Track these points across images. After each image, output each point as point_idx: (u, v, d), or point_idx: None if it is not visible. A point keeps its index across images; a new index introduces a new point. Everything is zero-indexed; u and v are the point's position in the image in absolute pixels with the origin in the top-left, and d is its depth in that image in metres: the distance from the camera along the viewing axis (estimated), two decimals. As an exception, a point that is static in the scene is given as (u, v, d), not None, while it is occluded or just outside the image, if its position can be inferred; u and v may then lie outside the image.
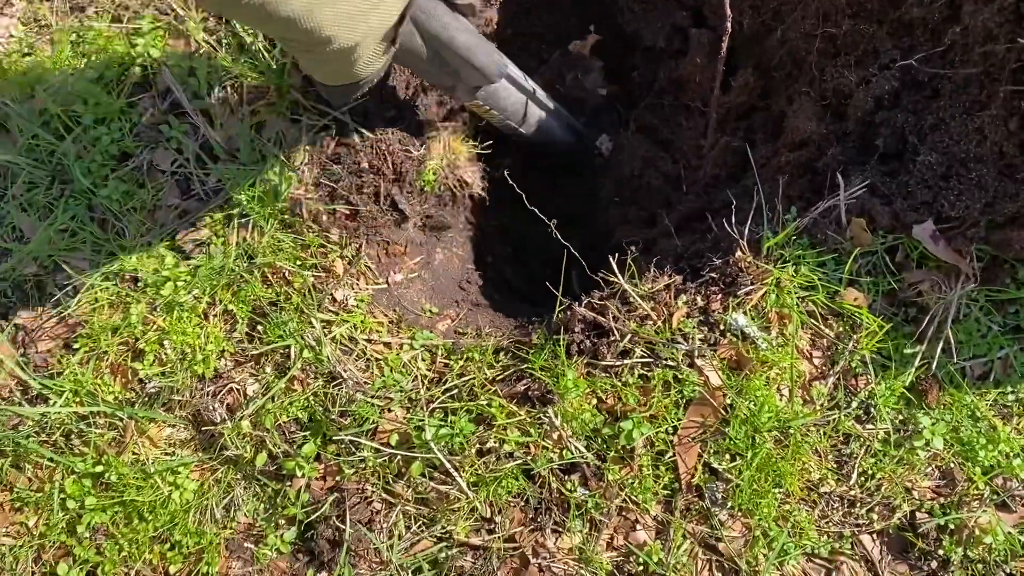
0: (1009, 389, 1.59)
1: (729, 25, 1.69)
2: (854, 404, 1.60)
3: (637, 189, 2.03)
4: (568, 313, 1.65)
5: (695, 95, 2.00)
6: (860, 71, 1.67)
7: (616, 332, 1.60)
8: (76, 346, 1.73)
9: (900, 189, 1.59)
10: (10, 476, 1.75)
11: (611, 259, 1.58)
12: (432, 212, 1.82)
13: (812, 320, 1.62)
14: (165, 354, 1.72)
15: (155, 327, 1.72)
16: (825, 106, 1.75)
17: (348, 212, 1.71)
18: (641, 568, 1.62)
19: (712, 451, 1.61)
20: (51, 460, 1.70)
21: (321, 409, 1.66)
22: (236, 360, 1.74)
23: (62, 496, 1.70)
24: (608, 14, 2.21)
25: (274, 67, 1.72)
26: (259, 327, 1.72)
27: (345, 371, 1.66)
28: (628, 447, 1.61)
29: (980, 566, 1.56)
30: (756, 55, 1.93)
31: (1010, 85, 1.43)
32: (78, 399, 1.71)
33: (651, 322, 1.63)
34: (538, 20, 2.19)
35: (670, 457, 1.62)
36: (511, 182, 1.70)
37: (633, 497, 1.62)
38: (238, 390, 1.70)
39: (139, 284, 1.74)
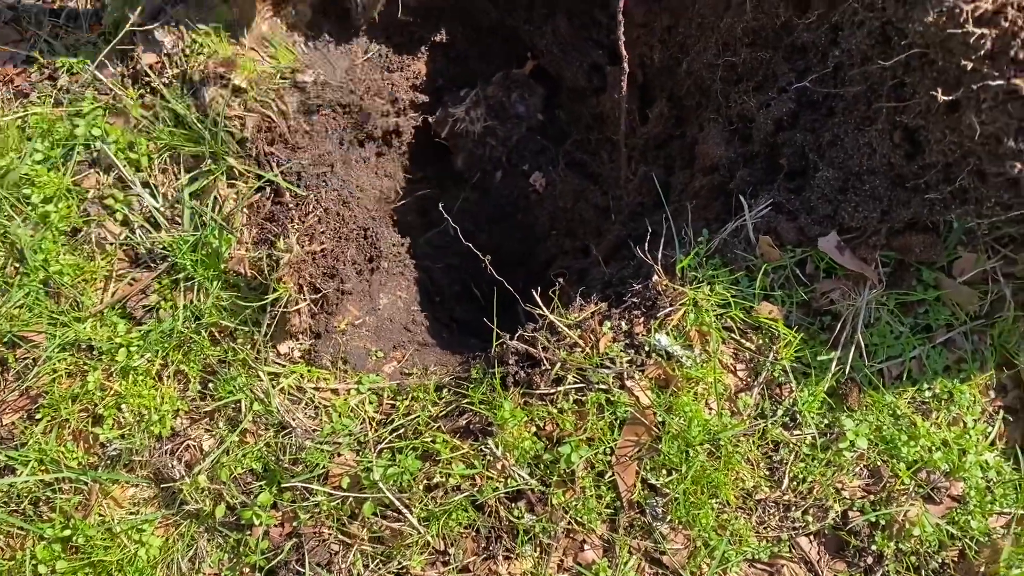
0: (925, 386, 1.66)
1: (626, 66, 1.78)
2: (780, 412, 1.67)
3: (571, 221, 2.12)
4: (504, 346, 1.72)
5: (616, 129, 2.09)
6: (760, 95, 1.76)
7: (547, 362, 1.68)
8: (39, 416, 1.81)
9: (804, 205, 1.67)
10: (-18, 547, 1.83)
11: (535, 293, 1.66)
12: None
13: (732, 335, 1.69)
14: (123, 417, 1.79)
15: (112, 392, 1.80)
16: (732, 131, 1.84)
17: (288, 267, 1.80)
18: (589, 587, 1.69)
19: (649, 468, 1.68)
20: (21, 528, 1.77)
21: (274, 459, 1.74)
22: (191, 417, 1.82)
23: (34, 563, 1.77)
24: (532, 57, 2.32)
25: (208, 136, 1.82)
26: (210, 384, 1.80)
27: (294, 420, 1.74)
28: (569, 470, 1.68)
29: (913, 558, 1.63)
30: (668, 87, 2.03)
31: (891, 102, 1.52)
32: (43, 467, 1.78)
33: (580, 349, 1.70)
34: (466, 68, 2.29)
35: (610, 477, 1.69)
36: (447, 216, 1.78)
37: (578, 519, 1.68)
38: (194, 446, 1.78)
39: (94, 352, 1.82)
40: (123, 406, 1.79)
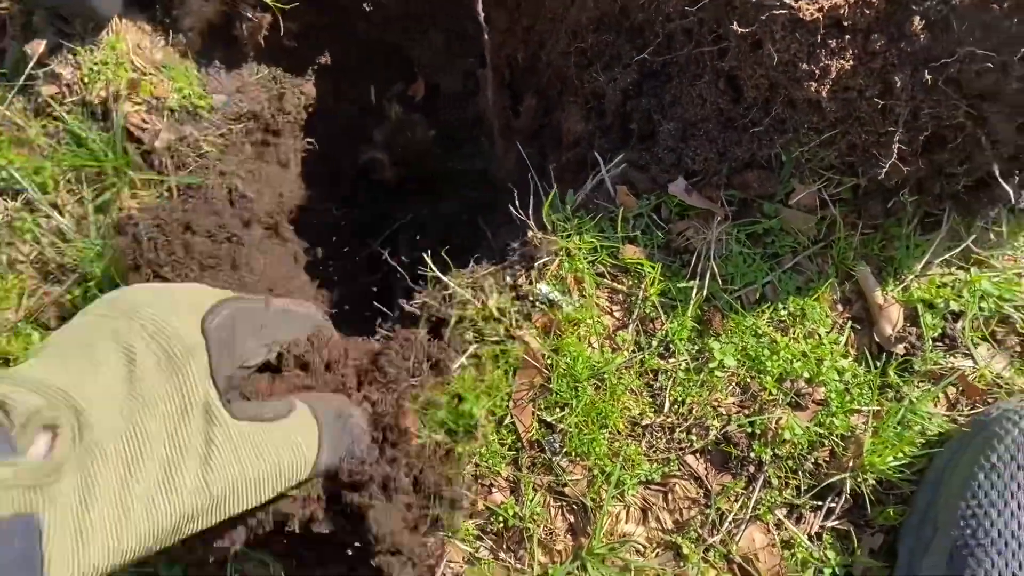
0: (781, 307, 1.85)
1: (490, 71, 2.00)
2: (654, 343, 1.84)
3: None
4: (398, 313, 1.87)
5: (493, 123, 2.31)
6: (609, 73, 1.98)
7: (443, 322, 1.83)
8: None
9: (653, 158, 1.88)
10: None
11: (426, 256, 1.82)
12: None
13: (604, 279, 1.87)
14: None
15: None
16: (589, 108, 2.06)
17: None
18: (501, 525, 1.80)
19: (543, 407, 1.82)
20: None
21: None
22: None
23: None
24: (411, 69, 2.54)
25: (109, 154, 1.96)
26: (125, 379, 1.89)
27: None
28: (472, 423, 1.81)
29: (789, 461, 1.78)
30: (534, 82, 2.26)
31: (712, 52, 1.75)
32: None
33: (472, 307, 1.85)
34: (353, 87, 2.50)
35: (509, 421, 1.82)
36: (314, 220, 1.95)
37: (484, 464, 1.81)
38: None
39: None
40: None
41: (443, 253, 1.93)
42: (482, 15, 2.06)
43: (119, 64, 2.01)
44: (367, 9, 2.19)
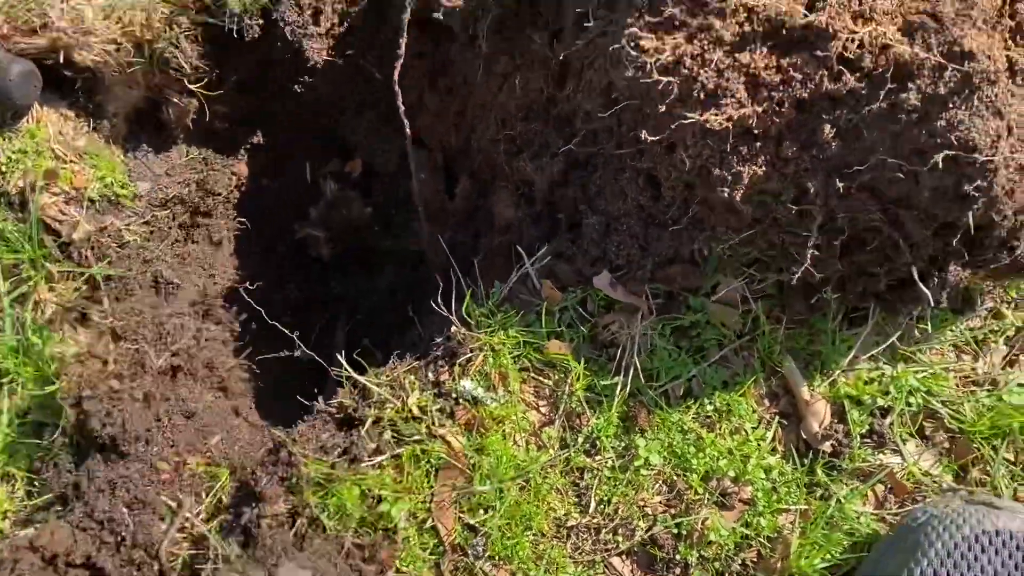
0: (707, 402, 1.82)
1: (411, 150, 1.98)
2: (580, 440, 1.81)
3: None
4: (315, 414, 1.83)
5: (429, 207, 2.29)
6: (537, 162, 1.97)
7: (359, 421, 1.78)
8: None
9: (579, 249, 1.86)
10: None
11: (340, 356, 1.78)
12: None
13: (530, 374, 1.84)
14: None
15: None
16: (520, 195, 2.04)
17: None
18: (419, 633, 1.75)
19: (466, 509, 1.78)
20: None
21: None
22: (18, 520, 1.84)
23: None
24: (347, 149, 2.52)
25: (26, 245, 1.92)
26: (35, 483, 1.84)
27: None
28: (391, 525, 1.76)
29: (716, 563, 1.75)
30: (467, 165, 2.24)
31: (631, 151, 1.74)
32: None
33: (391, 406, 1.81)
34: (287, 165, 2.48)
35: (431, 524, 1.78)
36: (249, 299, 1.91)
37: (405, 569, 1.76)
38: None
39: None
40: (-54, 513, 1.81)
41: (367, 343, 1.90)
42: (402, 108, 2.04)
43: (39, 152, 1.98)
44: (298, 91, 2.18)
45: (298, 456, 1.72)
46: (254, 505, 1.73)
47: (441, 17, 1.97)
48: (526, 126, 2.02)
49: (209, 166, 2.24)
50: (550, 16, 1.94)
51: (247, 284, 2.20)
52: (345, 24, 2.14)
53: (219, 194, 2.23)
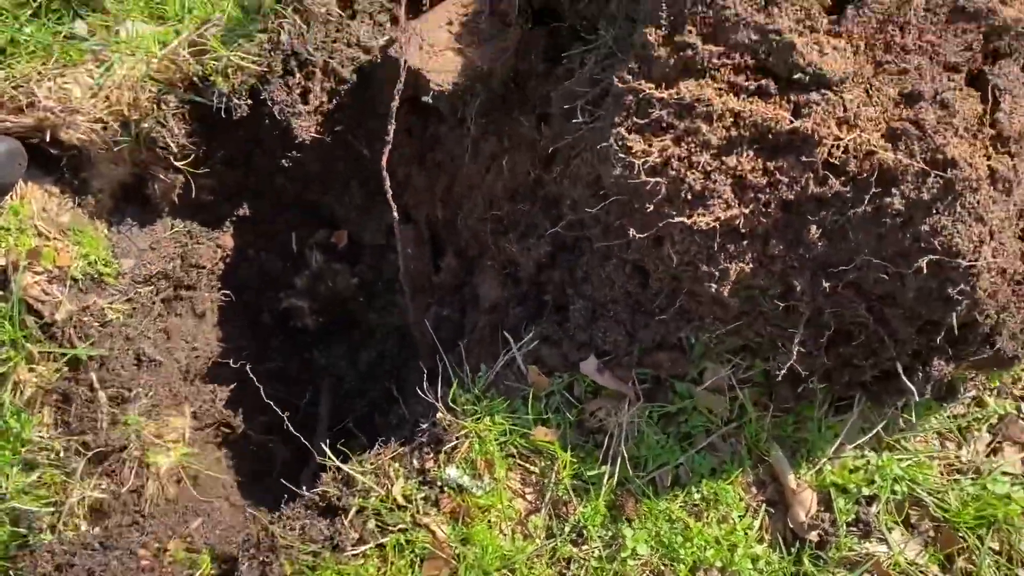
0: (694, 490, 1.82)
1: (399, 246, 1.98)
2: (567, 529, 1.79)
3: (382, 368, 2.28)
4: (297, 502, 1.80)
5: (409, 279, 2.28)
6: (524, 243, 1.97)
7: (343, 510, 1.76)
8: None
9: (566, 334, 1.86)
10: None
11: (324, 444, 1.76)
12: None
13: (516, 461, 1.83)
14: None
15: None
16: (506, 274, 2.04)
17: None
18: None
19: (452, 602, 1.75)
20: None
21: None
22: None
23: None
24: (334, 221, 2.52)
25: (6, 326, 1.89)
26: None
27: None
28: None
29: (704, 656, 1.73)
30: (454, 240, 2.24)
31: (621, 242, 1.75)
32: None
33: (375, 494, 1.79)
34: (273, 237, 2.47)
35: (413, 616, 1.75)
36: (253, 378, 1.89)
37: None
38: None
39: None
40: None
41: (351, 426, 1.89)
42: (389, 192, 2.04)
43: (21, 230, 1.96)
44: (285, 165, 2.17)
45: (279, 543, 1.70)
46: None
47: (430, 100, 1.98)
48: (513, 206, 2.02)
49: (194, 239, 2.23)
50: (537, 101, 1.96)
51: (230, 361, 2.18)
52: (334, 102, 2.14)
53: (204, 267, 2.22)
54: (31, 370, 1.90)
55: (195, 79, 2.03)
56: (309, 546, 1.73)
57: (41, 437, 1.85)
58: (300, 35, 2.03)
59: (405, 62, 1.97)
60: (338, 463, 1.78)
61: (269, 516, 1.83)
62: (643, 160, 1.49)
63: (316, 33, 2.05)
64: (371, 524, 1.76)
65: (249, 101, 2.03)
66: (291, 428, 1.88)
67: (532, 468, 1.83)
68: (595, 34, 1.87)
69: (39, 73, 1.95)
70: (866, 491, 1.79)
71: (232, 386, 2.27)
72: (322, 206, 2.45)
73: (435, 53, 2.01)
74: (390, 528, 1.76)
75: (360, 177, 2.33)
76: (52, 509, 1.80)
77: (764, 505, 1.82)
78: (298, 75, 2.08)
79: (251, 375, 1.97)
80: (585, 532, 1.79)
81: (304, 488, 1.79)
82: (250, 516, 1.94)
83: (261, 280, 2.45)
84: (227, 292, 2.28)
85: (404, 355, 2.40)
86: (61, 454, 1.83)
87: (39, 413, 1.87)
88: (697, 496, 1.82)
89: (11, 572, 1.79)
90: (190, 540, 1.85)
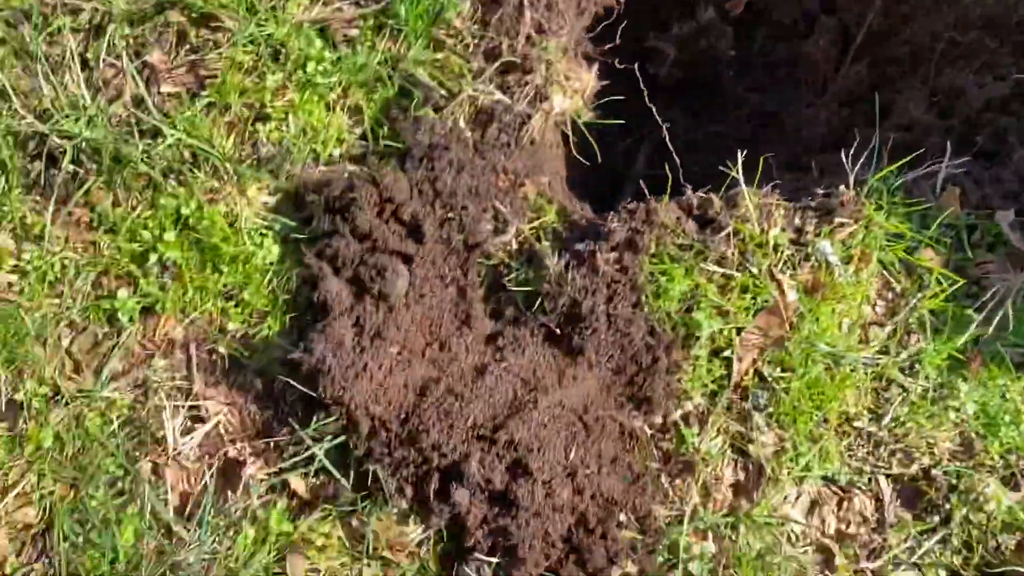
0: (1041, 384, 1.73)
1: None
2: (903, 356, 1.72)
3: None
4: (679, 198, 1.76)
5: (808, 73, 2.18)
6: (978, 78, 1.84)
7: (717, 226, 1.71)
8: (203, 94, 1.77)
9: (992, 178, 1.75)
10: (96, 196, 1.77)
11: (737, 164, 1.70)
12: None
13: (888, 267, 1.75)
14: (288, 125, 1.78)
15: (286, 99, 1.78)
16: (934, 101, 1.92)
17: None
18: (672, 447, 1.70)
19: (767, 360, 1.71)
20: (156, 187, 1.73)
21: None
22: (349, 155, 1.81)
23: (144, 220, 1.72)
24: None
25: None
26: (384, 128, 1.80)
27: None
28: (693, 335, 1.70)
29: (976, 531, 1.68)
30: (875, 51, 2.11)
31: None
32: (190, 141, 1.74)
33: (749, 228, 1.73)
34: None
35: (727, 354, 1.72)
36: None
37: (680, 381, 1.70)
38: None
39: (280, 58, 1.80)
40: (290, 115, 1.78)
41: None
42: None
43: None
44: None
45: (655, 220, 1.67)
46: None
47: None
48: (980, 36, 1.88)
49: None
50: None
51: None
52: None
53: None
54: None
55: None
56: (680, 237, 1.69)
57: (456, 25, 1.81)
58: None
59: None
60: (740, 177, 1.71)
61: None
62: None
63: None
64: (732, 252, 1.72)
65: None
66: (668, 140, 1.81)
67: (896, 284, 1.76)
68: None
69: None
70: None
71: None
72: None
73: None
74: (748, 264, 1.71)
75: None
76: (443, 92, 1.79)
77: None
78: None
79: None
80: (918, 366, 1.72)
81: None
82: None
83: (642, 14, 2.31)
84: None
85: (757, 138, 2.29)
86: (469, 47, 1.80)
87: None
88: (1040, 390, 1.73)
89: (383, 127, 1.79)
90: (542, 187, 1.82)
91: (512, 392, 1.62)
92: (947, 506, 1.68)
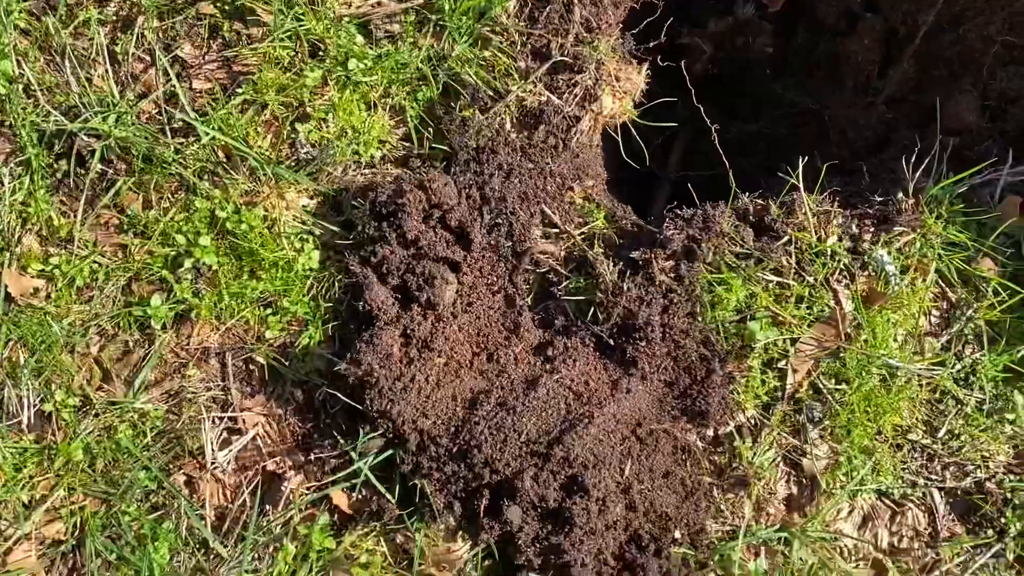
0: (1098, 404, 1.70)
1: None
2: (959, 367, 1.69)
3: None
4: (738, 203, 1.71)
5: (850, 73, 2.12)
6: (1032, 81, 1.80)
7: (774, 234, 1.66)
8: (240, 91, 1.69)
9: (1052, 186, 1.71)
10: (126, 197, 1.69)
11: (797, 171, 1.65)
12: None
13: (943, 278, 1.71)
14: (329, 126, 1.70)
15: (326, 98, 1.70)
16: (985, 105, 1.88)
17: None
18: (726, 460, 1.67)
19: (822, 372, 1.68)
20: (189, 188, 1.66)
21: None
22: (391, 157, 1.74)
23: (177, 224, 1.65)
24: None
25: None
26: (429, 129, 1.73)
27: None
28: (748, 346, 1.66)
29: (1030, 546, 1.66)
30: (923, 52, 2.07)
31: None
32: (225, 140, 1.66)
33: (806, 236, 1.68)
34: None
35: (782, 365, 1.68)
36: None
37: (732, 392, 1.66)
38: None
39: (320, 53, 1.72)
40: (331, 115, 1.70)
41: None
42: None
43: None
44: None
45: (715, 228, 1.62)
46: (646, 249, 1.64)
47: None
48: (1035, 40, 1.84)
49: None
50: None
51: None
52: None
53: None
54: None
55: None
56: (738, 247, 1.64)
57: (503, 22, 1.74)
58: None
59: None
60: (799, 185, 1.67)
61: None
62: None
63: None
64: (789, 260, 1.67)
65: None
66: (716, 141, 1.76)
67: (953, 294, 1.72)
68: None
69: None
70: None
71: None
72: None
73: None
74: (805, 272, 1.67)
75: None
76: (490, 92, 1.71)
77: None
78: None
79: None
80: (973, 378, 1.69)
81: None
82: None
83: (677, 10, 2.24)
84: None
85: (795, 138, 2.24)
86: (516, 45, 1.73)
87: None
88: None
89: (428, 127, 1.72)
90: (588, 191, 1.76)
91: (565, 405, 1.58)
92: (1002, 520, 1.66)
